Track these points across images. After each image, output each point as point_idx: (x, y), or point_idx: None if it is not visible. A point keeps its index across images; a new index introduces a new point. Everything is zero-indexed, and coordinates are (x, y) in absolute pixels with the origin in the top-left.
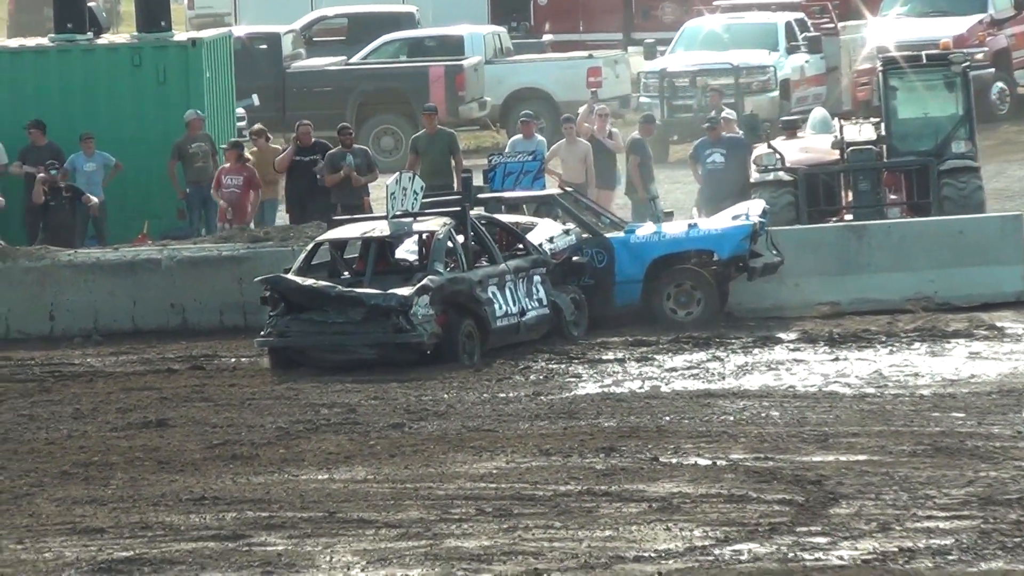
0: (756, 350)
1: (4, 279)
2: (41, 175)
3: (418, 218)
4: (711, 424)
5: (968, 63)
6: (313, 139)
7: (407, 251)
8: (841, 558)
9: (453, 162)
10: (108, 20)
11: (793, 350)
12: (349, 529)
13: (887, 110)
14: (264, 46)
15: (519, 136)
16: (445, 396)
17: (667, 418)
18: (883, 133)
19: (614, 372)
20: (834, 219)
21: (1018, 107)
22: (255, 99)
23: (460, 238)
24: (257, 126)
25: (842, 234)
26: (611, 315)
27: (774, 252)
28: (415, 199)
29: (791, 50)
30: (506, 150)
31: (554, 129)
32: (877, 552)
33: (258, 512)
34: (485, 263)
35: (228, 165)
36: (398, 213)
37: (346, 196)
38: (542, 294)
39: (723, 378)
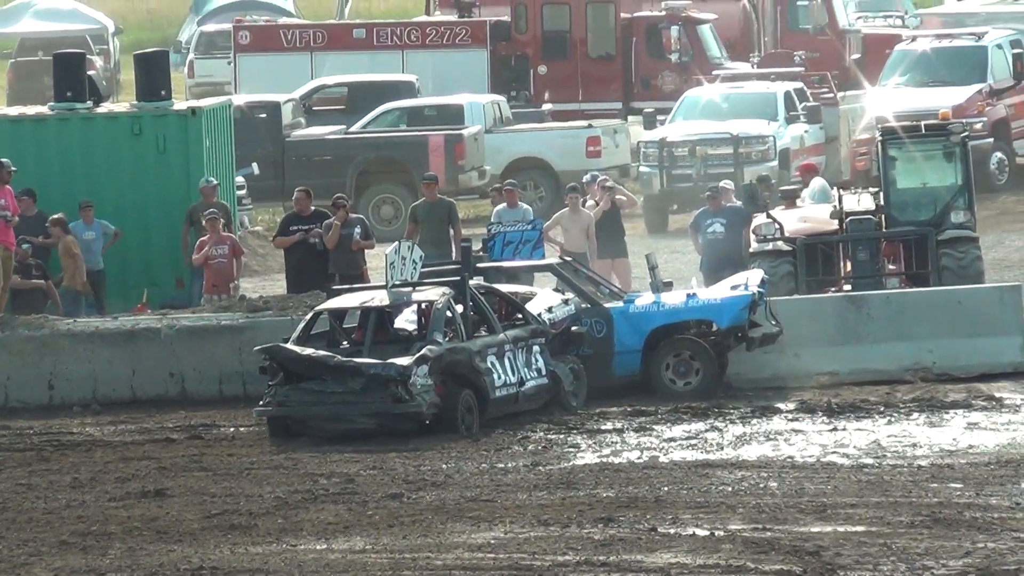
0: (755, 420)
1: (3, 348)
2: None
3: (417, 287)
4: (709, 494)
5: (967, 133)
6: (312, 208)
7: (406, 320)
8: None
9: (452, 231)
10: (108, 88)
11: (791, 420)
12: None
13: (886, 180)
14: (264, 115)
15: (503, 205)
16: (444, 466)
17: (665, 488)
18: (882, 203)
19: (613, 442)
20: (833, 289)
21: (1017, 177)
22: (255, 167)
23: (459, 308)
24: (58, 215)
25: (841, 304)
26: (610, 385)
27: (773, 322)
28: (414, 268)
29: (790, 120)
30: (491, 219)
31: (553, 198)
32: None
33: None
34: (484, 333)
35: (207, 236)
36: (397, 282)
37: (344, 266)
38: (541, 364)
39: (721, 448)
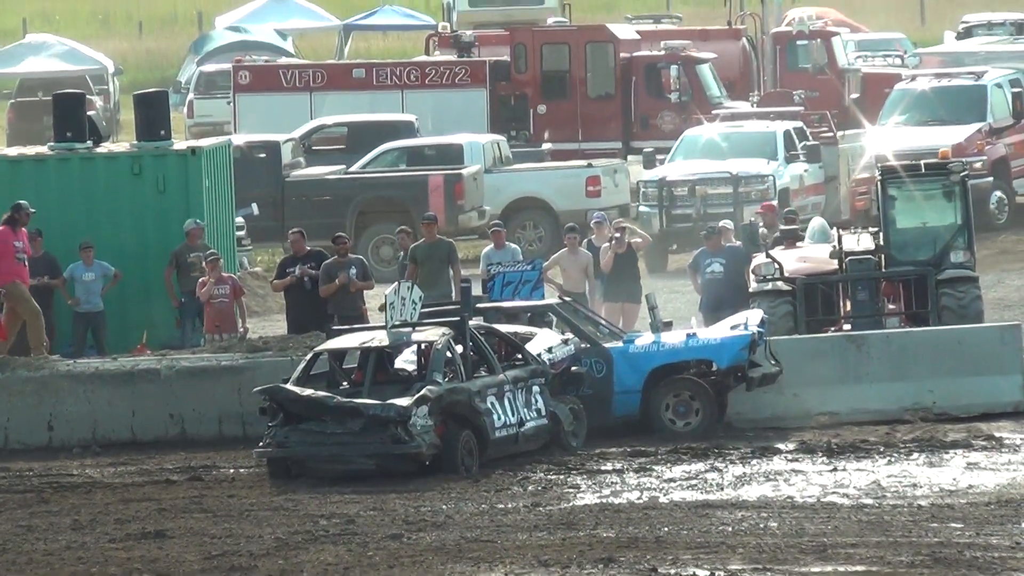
0: (754, 460)
1: (3, 389)
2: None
3: (417, 328)
4: (710, 535)
5: (967, 172)
6: (308, 248)
7: (406, 361)
8: None
9: (452, 272)
10: (108, 129)
11: (791, 460)
12: None
13: (885, 219)
14: (263, 154)
15: (491, 247)
16: (444, 507)
17: (666, 529)
18: (881, 242)
19: (612, 482)
20: (832, 329)
21: (1016, 216)
22: (254, 208)
23: (459, 348)
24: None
25: (841, 344)
26: (610, 425)
27: (772, 362)
28: (414, 309)
29: (790, 159)
30: (480, 263)
31: (552, 238)
32: None
33: None
34: (484, 373)
35: (208, 276)
36: (397, 323)
37: (343, 308)
38: (541, 404)
39: (722, 488)
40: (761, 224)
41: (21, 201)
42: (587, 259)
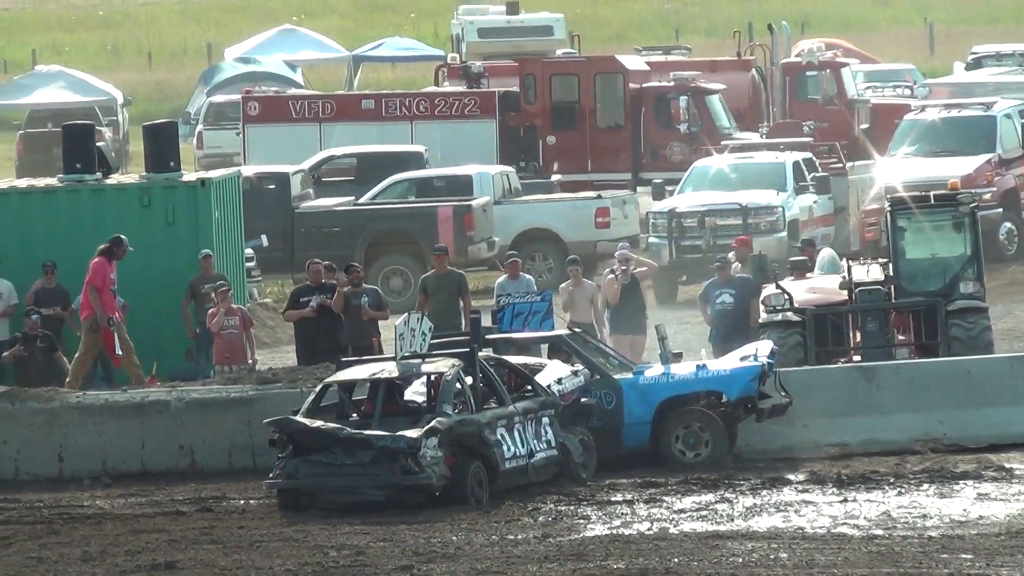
0: (765, 491)
1: (13, 421)
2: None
3: (427, 359)
4: (720, 566)
5: (976, 203)
6: (323, 280)
7: (415, 392)
8: None
9: (462, 303)
10: (117, 160)
11: (802, 491)
12: None
13: (895, 250)
14: (273, 186)
15: (504, 277)
16: (454, 538)
17: (676, 560)
18: (891, 273)
19: (623, 514)
20: (842, 360)
21: None
22: (264, 239)
23: (469, 379)
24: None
25: (850, 375)
26: (620, 456)
27: (782, 393)
28: (423, 340)
29: (799, 190)
30: (495, 293)
31: (561, 269)
32: None
33: None
34: (494, 405)
35: (217, 307)
36: (407, 354)
37: (356, 337)
38: (551, 436)
39: (732, 520)
40: (735, 258)
41: (121, 236)
42: (592, 290)
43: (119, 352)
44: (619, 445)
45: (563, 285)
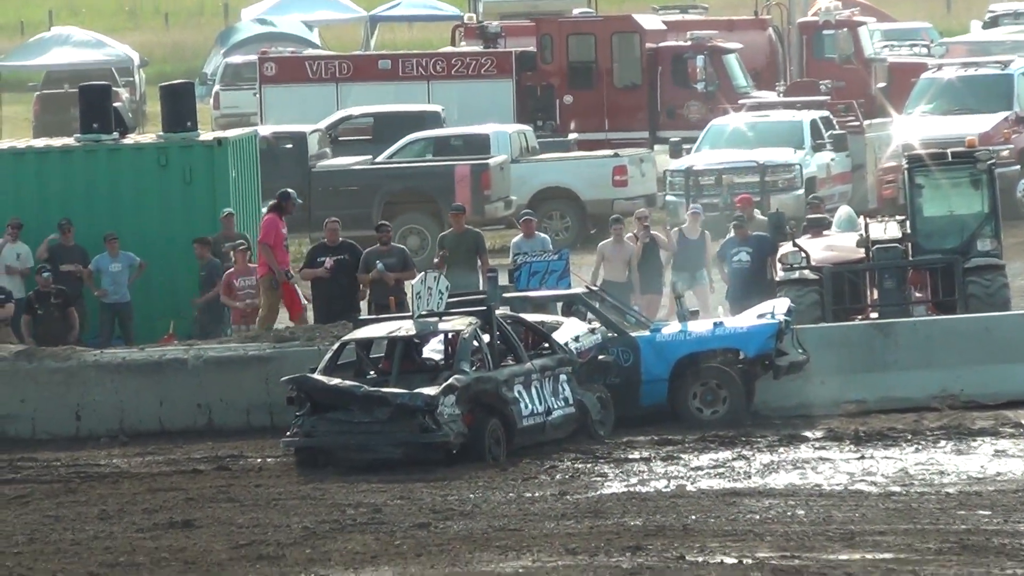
0: (782, 448)
1: (31, 379)
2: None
3: (444, 318)
4: (737, 523)
5: (993, 161)
6: (340, 238)
7: (433, 351)
8: None
9: (479, 262)
10: (134, 120)
11: (819, 448)
12: None
13: (912, 208)
14: (290, 145)
15: (520, 236)
16: (471, 496)
17: (693, 517)
18: (908, 231)
19: (640, 471)
20: (859, 317)
21: None
22: None
23: (486, 337)
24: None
25: (868, 332)
26: (637, 414)
27: (800, 350)
28: (440, 299)
29: (817, 148)
30: (511, 252)
31: (579, 227)
32: None
33: None
34: (511, 362)
35: (234, 268)
36: (424, 313)
37: (381, 296)
38: (568, 393)
39: (749, 476)
40: (743, 215)
41: (289, 190)
42: (631, 251)
43: (305, 303)
44: (636, 402)
45: (602, 243)
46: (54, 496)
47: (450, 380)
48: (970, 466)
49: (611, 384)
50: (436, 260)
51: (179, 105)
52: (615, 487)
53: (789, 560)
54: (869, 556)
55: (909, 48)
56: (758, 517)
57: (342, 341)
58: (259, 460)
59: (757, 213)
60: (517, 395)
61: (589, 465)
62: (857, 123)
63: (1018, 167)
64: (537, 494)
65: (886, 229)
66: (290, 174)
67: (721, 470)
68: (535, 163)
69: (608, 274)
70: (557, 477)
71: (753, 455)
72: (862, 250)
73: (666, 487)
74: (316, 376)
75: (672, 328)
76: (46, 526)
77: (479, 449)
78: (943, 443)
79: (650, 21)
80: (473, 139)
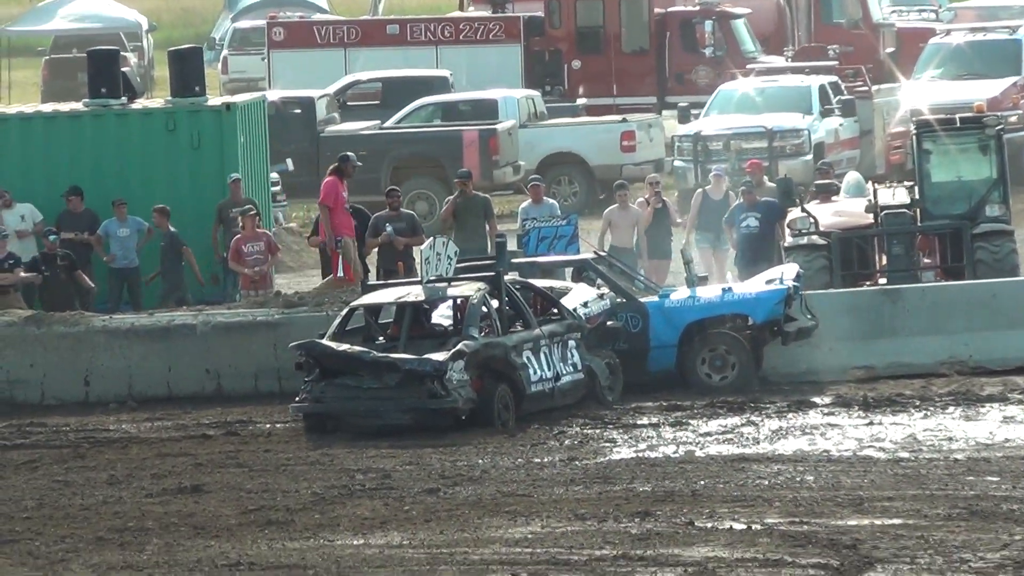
0: (790, 414)
1: (39, 345)
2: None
3: (452, 283)
4: (746, 488)
5: (1002, 126)
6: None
7: (442, 316)
8: None
9: (487, 227)
10: (142, 85)
11: (827, 414)
12: None
13: (921, 173)
14: (298, 110)
15: (528, 202)
16: (480, 461)
17: (702, 482)
18: (917, 197)
19: (648, 437)
20: (868, 283)
21: None
22: (289, 163)
23: (494, 303)
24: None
25: (876, 298)
26: (645, 380)
27: (808, 316)
28: (449, 264)
29: (825, 113)
30: (519, 217)
31: (587, 193)
32: None
33: None
34: (519, 328)
35: (242, 233)
36: (432, 278)
37: (389, 261)
38: (576, 359)
39: (757, 443)
40: (752, 180)
41: (348, 153)
42: (637, 215)
43: (340, 275)
44: (645, 368)
45: (608, 209)
46: (63, 461)
47: (459, 346)
48: (978, 432)
49: (620, 350)
50: (446, 206)
51: (187, 70)
52: (624, 453)
53: (798, 526)
54: (878, 522)
55: (917, 13)
56: (767, 483)
57: (351, 307)
58: (268, 426)
59: (765, 179)
60: (526, 361)
61: (598, 431)
62: (865, 88)
63: None
64: (546, 460)
65: (894, 195)
66: (298, 139)
67: (730, 436)
68: (543, 128)
69: (615, 240)
70: (566, 443)
71: (762, 421)
72: (870, 216)
73: (675, 453)
74: (325, 342)
75: (681, 294)
76: (55, 491)
77: (488, 415)
78: (951, 409)
79: None
80: (481, 104)
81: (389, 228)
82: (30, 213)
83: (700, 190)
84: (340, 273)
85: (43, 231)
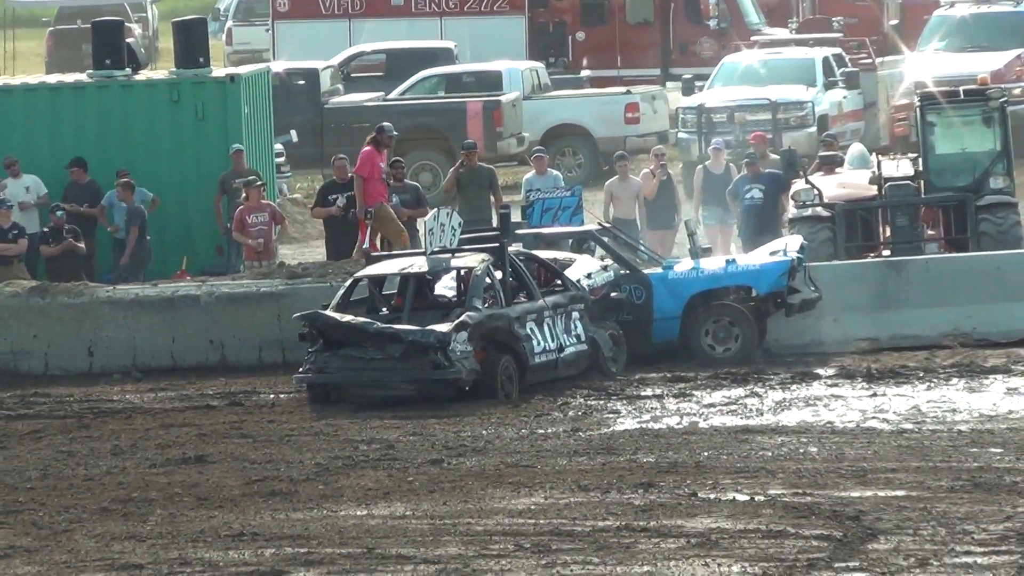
0: (794, 386)
1: (43, 315)
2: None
3: (456, 254)
4: (749, 460)
5: (1006, 98)
6: (349, 174)
7: (445, 287)
8: None
9: (492, 198)
10: (146, 56)
11: (831, 386)
12: (388, 565)
13: (924, 145)
14: (302, 82)
15: (532, 173)
16: (483, 432)
17: (705, 454)
18: (921, 169)
19: (652, 408)
20: (872, 255)
21: None
22: (293, 135)
23: (498, 274)
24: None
25: (880, 270)
26: (649, 351)
27: (812, 288)
28: (453, 235)
29: (829, 86)
30: (523, 188)
31: (592, 164)
32: None
33: (297, 548)
34: (523, 299)
35: (246, 204)
36: (436, 249)
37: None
38: (580, 330)
39: (761, 414)
40: (755, 152)
41: (385, 123)
42: (637, 186)
43: (365, 247)
44: (648, 340)
45: (609, 182)
46: (67, 432)
47: (462, 317)
48: (982, 404)
49: (623, 321)
50: (448, 176)
51: (192, 41)
52: (627, 424)
53: (801, 497)
54: (881, 493)
55: None
56: (770, 454)
57: (354, 277)
58: (272, 396)
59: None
60: (529, 332)
61: (601, 402)
62: (869, 60)
63: None
64: (549, 431)
65: (898, 167)
66: (302, 111)
67: (733, 407)
68: (547, 100)
69: (617, 211)
70: (569, 414)
71: (765, 392)
72: (874, 188)
73: (678, 424)
74: (328, 313)
75: (684, 265)
76: (59, 462)
77: (491, 386)
78: (955, 381)
79: None
80: (485, 76)
81: (395, 199)
82: (35, 185)
83: (700, 166)
84: (366, 244)
85: (50, 206)
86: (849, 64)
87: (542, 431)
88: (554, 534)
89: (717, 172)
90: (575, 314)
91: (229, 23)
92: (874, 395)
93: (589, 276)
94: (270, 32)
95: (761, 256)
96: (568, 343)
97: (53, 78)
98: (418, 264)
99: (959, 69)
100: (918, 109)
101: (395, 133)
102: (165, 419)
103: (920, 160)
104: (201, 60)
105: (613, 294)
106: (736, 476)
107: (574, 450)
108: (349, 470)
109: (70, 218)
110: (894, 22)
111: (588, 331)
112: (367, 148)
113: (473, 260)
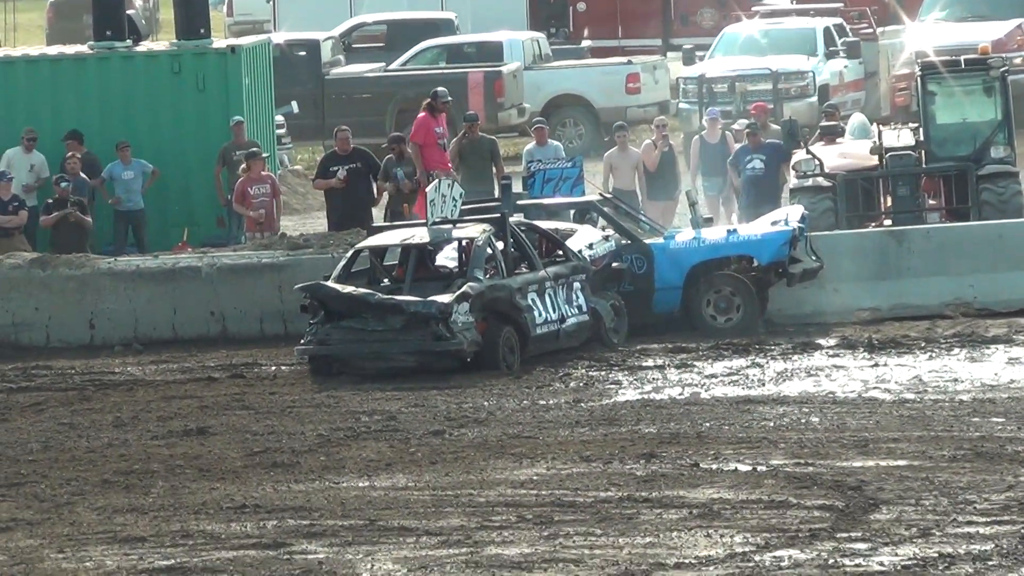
0: (796, 356)
1: (44, 287)
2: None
3: (457, 225)
4: (751, 430)
5: (1007, 68)
6: (352, 145)
7: (447, 258)
8: (881, 564)
9: (493, 169)
10: (147, 27)
11: (832, 356)
12: (390, 537)
13: (925, 115)
14: (303, 53)
15: (533, 144)
16: (485, 403)
17: (707, 424)
18: (921, 138)
19: (654, 379)
20: (873, 224)
21: None
22: (294, 106)
23: (500, 245)
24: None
25: (881, 239)
26: (651, 321)
27: (813, 258)
28: (454, 206)
29: (830, 55)
30: (524, 159)
31: (593, 135)
32: (917, 558)
33: (299, 520)
34: (525, 270)
35: (247, 176)
36: (437, 220)
37: (396, 204)
38: (582, 301)
39: (763, 384)
40: (756, 123)
41: (439, 88)
42: (637, 157)
43: (414, 212)
44: (650, 310)
45: (608, 152)
46: (68, 404)
47: (464, 288)
48: (984, 373)
49: (625, 291)
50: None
51: (192, 12)
52: (629, 395)
53: (803, 467)
54: (883, 463)
55: None
56: (772, 424)
57: (356, 248)
58: (273, 368)
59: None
60: (531, 303)
61: (603, 373)
62: (870, 30)
63: None
64: (551, 402)
65: (899, 136)
66: (303, 82)
67: (735, 378)
68: (548, 70)
69: (618, 182)
70: (571, 385)
71: (767, 363)
72: (875, 157)
73: (680, 395)
74: (330, 284)
75: (686, 235)
76: (60, 434)
77: (493, 357)
78: (956, 350)
79: None
80: (486, 46)
81: (400, 173)
82: (40, 165)
83: (696, 136)
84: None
85: (55, 178)
86: (850, 34)
87: (543, 402)
88: (556, 505)
89: (713, 141)
90: (576, 284)
91: None
92: (876, 365)
93: (590, 246)
94: (271, 3)
95: (762, 226)
96: (570, 314)
97: (54, 50)
98: (419, 235)
99: (960, 39)
100: (919, 79)
101: (449, 98)
102: (166, 391)
103: (921, 130)
104: (202, 31)
105: (614, 264)
106: (738, 446)
107: (576, 421)
108: (351, 442)
109: (76, 191)
110: None
111: (590, 301)
112: (422, 115)
113: (474, 230)
